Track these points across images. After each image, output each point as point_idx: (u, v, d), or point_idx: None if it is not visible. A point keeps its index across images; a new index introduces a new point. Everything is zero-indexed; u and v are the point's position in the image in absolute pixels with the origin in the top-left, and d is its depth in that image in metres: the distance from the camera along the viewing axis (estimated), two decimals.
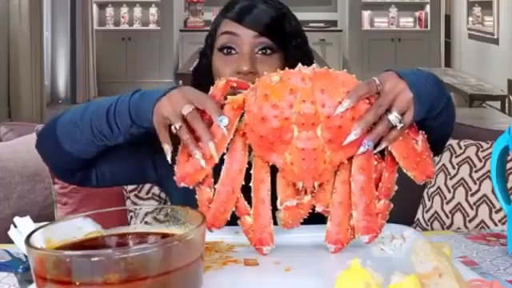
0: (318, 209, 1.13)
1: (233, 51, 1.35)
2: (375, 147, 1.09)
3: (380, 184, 1.12)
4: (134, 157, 1.38)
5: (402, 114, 1.07)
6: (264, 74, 1.10)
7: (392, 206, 1.13)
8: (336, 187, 1.11)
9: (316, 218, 1.15)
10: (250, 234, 1.13)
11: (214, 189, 1.12)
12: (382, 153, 1.12)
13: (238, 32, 1.34)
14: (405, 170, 1.11)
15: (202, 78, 1.42)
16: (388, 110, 1.07)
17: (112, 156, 1.31)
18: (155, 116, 1.10)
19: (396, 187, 1.14)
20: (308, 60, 1.37)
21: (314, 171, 1.08)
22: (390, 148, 1.09)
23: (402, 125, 1.07)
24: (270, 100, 1.06)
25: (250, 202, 1.13)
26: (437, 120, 1.18)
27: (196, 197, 1.12)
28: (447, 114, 1.21)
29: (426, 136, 1.12)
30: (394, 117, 1.06)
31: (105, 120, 1.18)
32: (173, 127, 1.08)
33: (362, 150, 1.07)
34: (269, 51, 1.36)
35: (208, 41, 1.42)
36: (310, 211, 1.13)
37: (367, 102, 1.07)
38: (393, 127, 1.07)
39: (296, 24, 1.42)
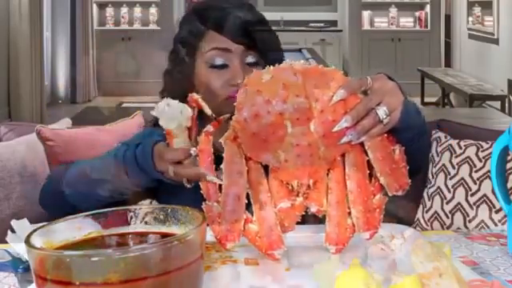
0: (312, 209, 1.11)
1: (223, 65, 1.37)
2: None
3: (373, 179, 1.11)
4: None
5: (390, 112, 1.09)
6: (253, 72, 1.10)
7: (387, 199, 1.13)
8: (331, 187, 1.10)
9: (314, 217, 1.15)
10: (258, 242, 1.09)
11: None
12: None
13: (229, 48, 1.36)
14: (379, 176, 1.10)
15: (178, 84, 1.45)
16: (377, 106, 1.08)
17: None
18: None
19: None
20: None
21: (309, 168, 1.07)
22: (367, 147, 1.10)
23: (387, 120, 1.08)
24: (263, 96, 1.05)
25: (247, 209, 1.10)
26: (412, 143, 1.17)
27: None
28: (419, 142, 1.20)
29: (403, 149, 1.12)
30: (382, 111, 1.08)
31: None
32: None
33: (344, 139, 1.07)
34: (256, 63, 1.38)
35: (185, 47, 1.44)
36: (303, 213, 1.12)
37: (359, 98, 1.08)
38: (377, 122, 1.08)
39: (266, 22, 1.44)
